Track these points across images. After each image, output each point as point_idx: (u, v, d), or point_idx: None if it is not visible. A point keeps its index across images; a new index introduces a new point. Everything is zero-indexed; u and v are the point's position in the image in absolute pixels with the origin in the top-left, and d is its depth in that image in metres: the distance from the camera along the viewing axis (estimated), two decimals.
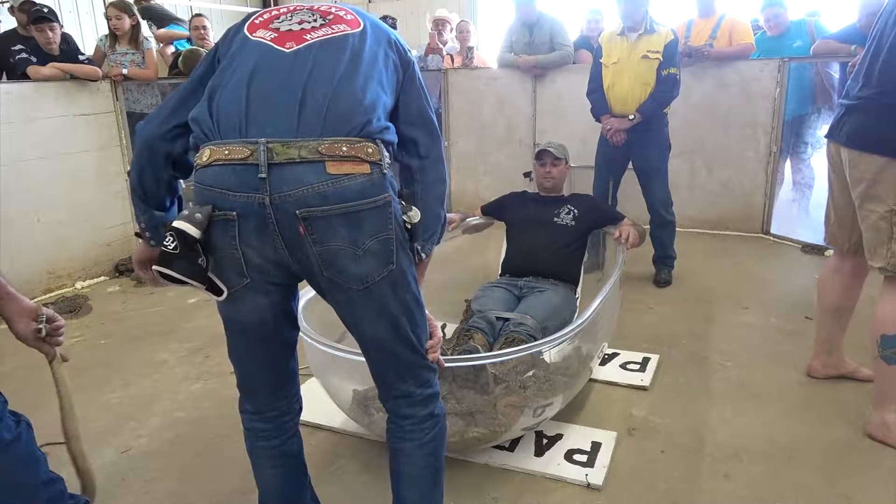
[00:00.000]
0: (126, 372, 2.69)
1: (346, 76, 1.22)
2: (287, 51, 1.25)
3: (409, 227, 1.29)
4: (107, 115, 3.98)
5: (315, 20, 1.31)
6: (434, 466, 1.41)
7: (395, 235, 1.24)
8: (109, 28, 4.24)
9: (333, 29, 1.29)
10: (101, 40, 4.33)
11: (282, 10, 1.36)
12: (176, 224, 1.19)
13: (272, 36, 1.28)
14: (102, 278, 3.96)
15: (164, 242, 1.18)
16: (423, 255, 1.37)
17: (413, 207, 1.31)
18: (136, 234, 1.45)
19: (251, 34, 1.30)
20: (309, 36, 1.27)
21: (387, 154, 1.24)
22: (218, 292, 1.26)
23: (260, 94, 1.21)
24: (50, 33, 3.80)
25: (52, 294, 3.68)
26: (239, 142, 1.17)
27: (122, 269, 4.00)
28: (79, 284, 3.83)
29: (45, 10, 3.82)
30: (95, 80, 3.91)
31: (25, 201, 3.53)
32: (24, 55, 3.79)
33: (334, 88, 1.20)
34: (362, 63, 1.26)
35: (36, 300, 3.52)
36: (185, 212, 1.21)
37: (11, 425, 1.43)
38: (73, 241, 3.81)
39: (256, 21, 1.34)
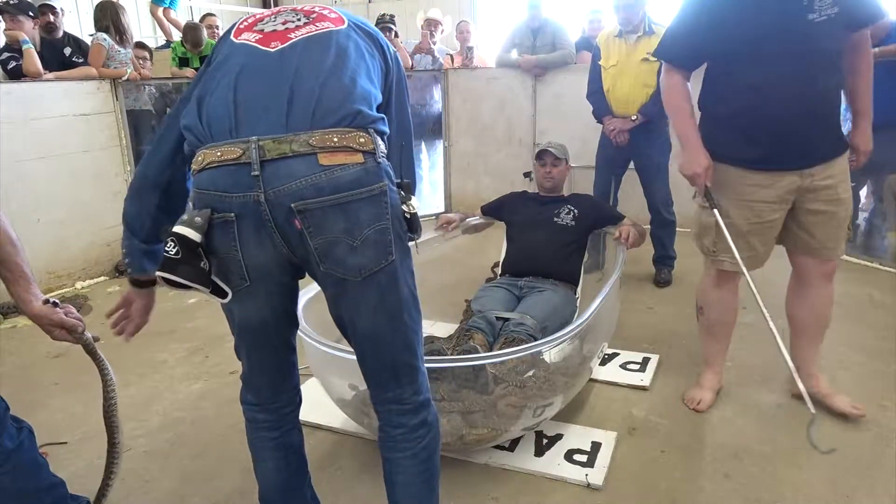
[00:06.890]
0: (126, 372, 2.68)
1: (333, 70, 1.23)
2: (272, 50, 1.26)
3: (407, 216, 1.28)
4: (107, 115, 3.98)
5: (298, 19, 1.32)
6: (428, 473, 1.39)
7: (391, 225, 1.23)
8: (118, 29, 4.18)
9: (318, 26, 1.31)
10: (104, 40, 4.22)
11: (266, 13, 1.38)
12: (176, 229, 1.19)
13: (256, 37, 1.29)
14: (102, 278, 3.96)
15: (166, 248, 1.18)
16: None
17: (412, 197, 1.31)
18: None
19: (236, 38, 1.32)
20: (293, 35, 1.28)
21: (381, 143, 1.23)
22: (222, 295, 1.26)
23: (248, 96, 1.21)
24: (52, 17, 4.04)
25: (51, 294, 3.64)
26: (230, 142, 1.18)
27: (121, 269, 4.00)
28: (79, 284, 3.83)
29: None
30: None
31: (25, 201, 3.53)
32: (13, 62, 3.85)
33: (322, 83, 1.21)
34: (349, 58, 1.27)
35: None
36: (185, 216, 1.21)
37: (14, 433, 1.43)
38: (73, 241, 3.81)
39: (241, 26, 1.35)
